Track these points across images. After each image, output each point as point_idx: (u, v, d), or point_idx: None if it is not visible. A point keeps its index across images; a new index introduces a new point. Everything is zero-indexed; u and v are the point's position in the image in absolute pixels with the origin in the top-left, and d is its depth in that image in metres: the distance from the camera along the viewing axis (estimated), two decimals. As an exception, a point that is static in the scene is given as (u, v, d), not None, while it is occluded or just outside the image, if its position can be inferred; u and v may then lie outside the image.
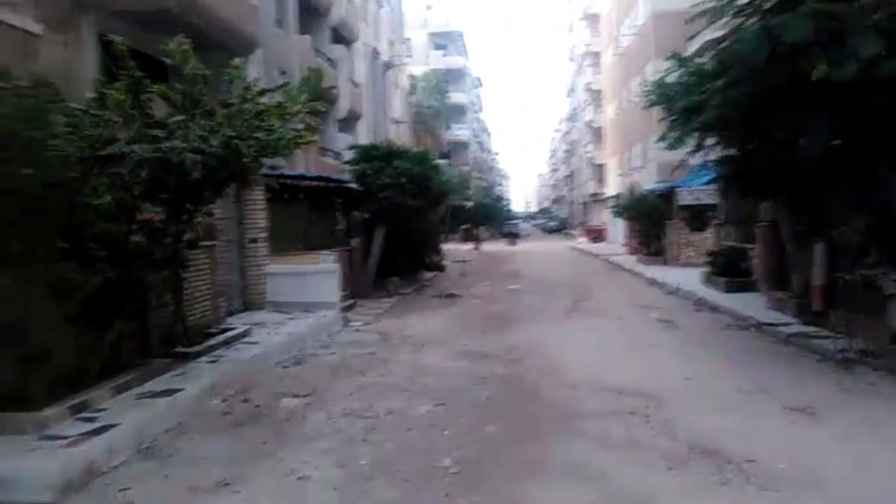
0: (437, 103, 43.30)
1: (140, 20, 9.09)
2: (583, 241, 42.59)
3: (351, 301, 13.21)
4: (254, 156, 7.03)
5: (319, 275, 11.94)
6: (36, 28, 7.30)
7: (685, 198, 20.19)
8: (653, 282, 17.27)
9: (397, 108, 34.40)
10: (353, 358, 8.65)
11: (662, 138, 10.57)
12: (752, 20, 7.61)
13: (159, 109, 6.82)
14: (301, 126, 7.82)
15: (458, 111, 55.37)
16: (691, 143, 10.06)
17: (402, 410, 6.17)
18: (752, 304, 11.43)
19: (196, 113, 6.71)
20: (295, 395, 6.71)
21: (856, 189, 8.32)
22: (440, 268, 21.94)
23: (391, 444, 5.27)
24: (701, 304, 12.93)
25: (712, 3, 8.00)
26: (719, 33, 8.33)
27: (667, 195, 22.00)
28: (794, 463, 4.60)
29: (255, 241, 11.86)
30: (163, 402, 5.98)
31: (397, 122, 33.46)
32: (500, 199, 75.22)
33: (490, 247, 39.47)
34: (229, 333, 8.81)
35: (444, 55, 52.65)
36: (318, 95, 9.45)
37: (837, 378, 6.92)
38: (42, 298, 5.61)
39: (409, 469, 4.71)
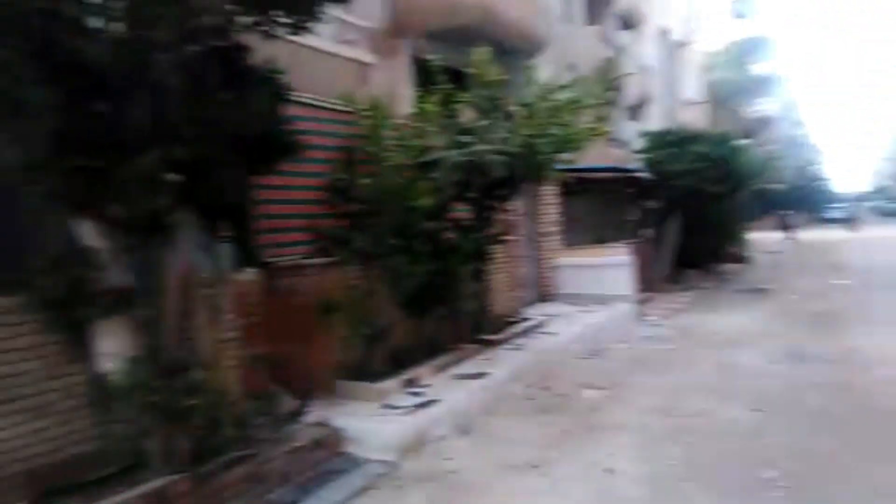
0: (738, 78, 39.13)
1: (440, 38, 10.07)
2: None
3: (645, 294, 12.74)
4: (550, 152, 7.24)
5: (612, 267, 11.78)
6: (368, 58, 8.61)
7: None
8: None
9: (691, 87, 32.06)
10: (653, 353, 8.34)
11: None
12: None
13: (464, 115, 7.48)
14: (591, 119, 7.81)
15: (763, 84, 49.21)
16: None
17: (711, 412, 5.74)
18: None
19: (497, 116, 7.18)
20: (595, 387, 6.74)
21: None
22: (744, 259, 19.85)
23: (701, 446, 4.94)
24: None
25: None
26: None
27: None
28: None
29: (547, 234, 12.24)
30: (475, 383, 6.53)
31: (692, 103, 31.19)
32: (817, 179, 64.77)
33: (808, 235, 34.30)
34: (527, 324, 9.24)
35: (744, 24, 47.30)
36: (610, 86, 9.33)
37: None
38: (380, 287, 6.62)
39: (725, 476, 4.36)
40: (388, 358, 6.49)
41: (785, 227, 35.34)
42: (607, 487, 4.35)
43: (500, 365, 7.19)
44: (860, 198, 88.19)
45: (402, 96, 9.19)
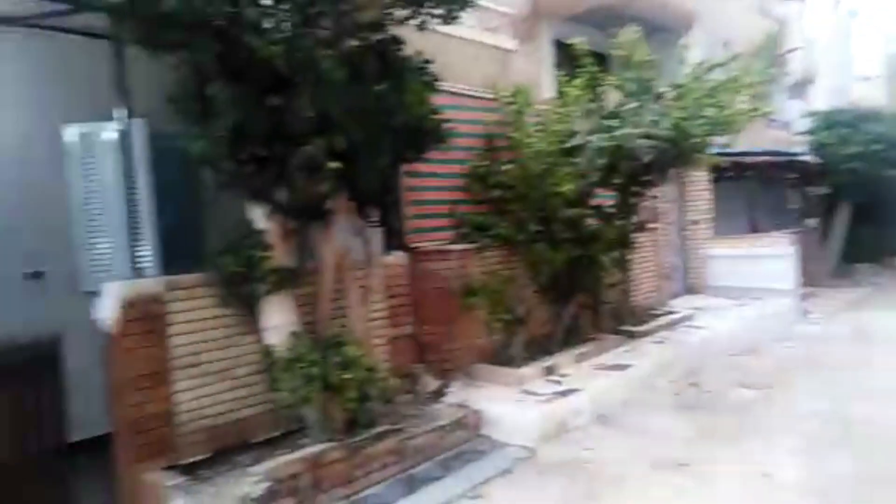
0: (925, 47, 34.19)
1: (583, 20, 9.77)
2: None
3: (808, 289, 11.65)
4: (703, 135, 6.81)
5: (770, 259, 10.87)
6: (510, 45, 8.59)
7: None
8: None
9: (867, 61, 28.55)
10: (818, 354, 7.62)
11: None
12: None
13: (610, 98, 7.24)
14: (749, 97, 7.23)
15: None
16: None
17: (883, 421, 5.14)
18: None
19: (646, 98, 6.87)
20: (749, 386, 6.30)
21: None
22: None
23: (877, 458, 4.45)
24: None
25: None
26: None
27: None
28: None
29: (697, 222, 11.55)
30: (616, 374, 6.36)
31: (867, 78, 27.78)
32: None
33: None
34: (673, 316, 8.81)
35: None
36: (772, 63, 8.56)
37: None
38: (520, 273, 6.64)
39: (906, 494, 3.90)
40: (527, 344, 6.51)
41: None
42: (765, 494, 4.06)
43: (644, 358, 6.94)
44: None
45: (545, 81, 9.09)
